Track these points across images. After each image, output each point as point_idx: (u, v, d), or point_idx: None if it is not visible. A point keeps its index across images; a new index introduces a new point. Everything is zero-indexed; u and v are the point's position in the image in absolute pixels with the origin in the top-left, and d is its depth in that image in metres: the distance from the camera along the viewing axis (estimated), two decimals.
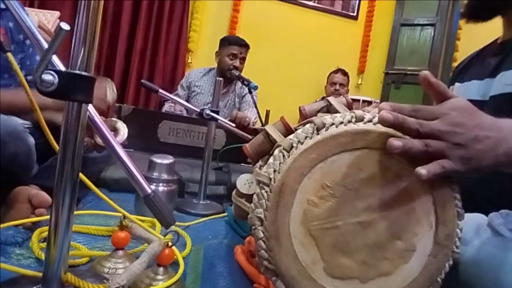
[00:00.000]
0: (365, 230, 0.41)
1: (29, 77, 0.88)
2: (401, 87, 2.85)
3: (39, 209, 0.66)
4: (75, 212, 0.41)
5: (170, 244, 0.54)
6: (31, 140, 0.72)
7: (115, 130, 0.89)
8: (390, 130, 0.43)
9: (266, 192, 0.42)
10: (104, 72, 2.40)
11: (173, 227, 0.53)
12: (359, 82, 2.99)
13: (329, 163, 0.41)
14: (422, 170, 0.38)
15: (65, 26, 0.35)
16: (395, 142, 0.38)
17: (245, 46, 2.02)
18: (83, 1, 0.37)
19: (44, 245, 0.56)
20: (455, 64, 2.75)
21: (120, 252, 0.55)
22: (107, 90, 0.91)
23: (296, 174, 0.41)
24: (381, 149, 0.42)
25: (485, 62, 0.72)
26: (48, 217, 0.61)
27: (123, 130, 0.86)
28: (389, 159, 0.42)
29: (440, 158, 0.39)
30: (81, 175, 0.43)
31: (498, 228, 0.45)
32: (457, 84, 0.79)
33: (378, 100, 2.71)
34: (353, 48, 2.97)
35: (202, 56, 2.66)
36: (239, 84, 1.99)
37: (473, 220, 0.48)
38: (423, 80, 0.43)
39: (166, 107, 1.92)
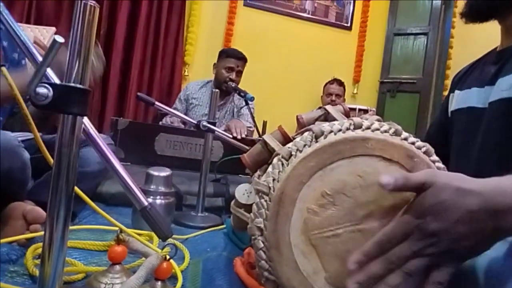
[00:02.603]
0: (367, 238, 0.41)
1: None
2: (396, 96, 2.88)
3: (34, 225, 0.65)
4: (71, 228, 0.41)
5: (168, 257, 0.53)
6: (26, 155, 0.71)
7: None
8: (389, 137, 0.43)
9: (266, 201, 0.41)
10: (102, 87, 2.40)
11: (171, 240, 0.52)
12: (355, 92, 3.02)
13: (329, 171, 0.41)
14: None
15: (60, 39, 0.35)
16: None
17: (242, 59, 2.04)
18: (78, 14, 0.37)
19: (38, 262, 0.55)
20: (448, 72, 2.79)
21: (117, 267, 0.53)
22: (93, 59, 0.89)
23: (295, 182, 0.41)
24: (380, 156, 0.42)
25: (484, 70, 0.73)
26: (43, 233, 0.60)
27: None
28: (388, 166, 0.42)
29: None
30: (77, 189, 0.42)
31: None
32: (457, 91, 0.80)
33: (374, 109, 2.72)
34: (348, 58, 3.00)
35: (198, 69, 2.68)
36: (237, 95, 2.00)
37: None
38: (386, 189, 0.37)
39: (164, 120, 1.91)
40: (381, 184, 0.37)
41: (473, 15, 0.70)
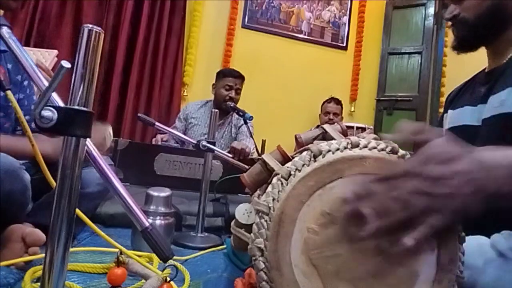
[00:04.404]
0: (367, 257, 0.41)
1: (27, 117, 0.89)
2: (393, 113, 2.91)
3: (33, 247, 0.64)
4: (70, 250, 0.40)
5: (168, 279, 0.52)
6: (27, 177, 0.71)
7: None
8: (386, 156, 0.44)
9: (266, 221, 0.41)
10: (100, 106, 2.42)
11: (171, 262, 0.52)
12: (352, 110, 3.05)
13: (328, 190, 0.42)
14: (408, 240, 0.35)
15: (66, 64, 0.36)
16: (366, 231, 0.37)
17: (239, 77, 2.07)
18: (83, 39, 0.39)
19: (37, 285, 0.54)
20: (443, 89, 2.83)
21: None
22: (106, 136, 0.93)
23: (295, 202, 0.41)
24: (378, 174, 0.42)
25: (475, 90, 0.76)
26: (42, 255, 0.59)
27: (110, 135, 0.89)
28: None
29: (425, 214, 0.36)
30: (77, 210, 0.42)
31: (502, 250, 0.44)
32: (450, 111, 0.83)
33: (371, 127, 2.75)
34: (344, 77, 3.06)
35: (197, 89, 2.71)
36: (235, 115, 2.02)
37: (475, 243, 0.48)
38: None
39: (157, 138, 1.91)
40: (399, 130, 0.42)
41: (464, 47, 0.75)
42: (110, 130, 0.95)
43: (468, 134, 0.71)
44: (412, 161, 0.40)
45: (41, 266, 0.39)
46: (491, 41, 0.73)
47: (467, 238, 0.43)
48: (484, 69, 0.79)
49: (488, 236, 0.49)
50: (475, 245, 0.47)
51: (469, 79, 0.85)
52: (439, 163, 0.37)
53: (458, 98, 0.83)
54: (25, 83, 0.99)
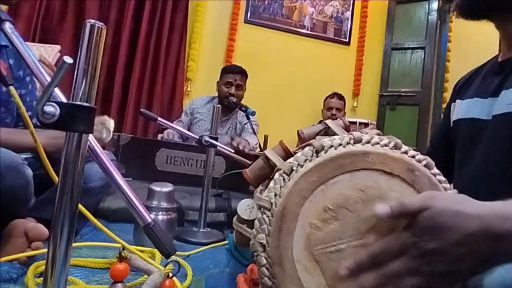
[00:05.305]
0: None
1: (29, 113, 0.89)
2: (396, 108, 2.90)
3: (36, 242, 0.64)
4: (73, 245, 0.41)
5: (170, 275, 0.52)
6: (29, 172, 0.71)
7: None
8: (389, 151, 0.43)
9: (268, 217, 0.41)
10: (102, 102, 2.42)
11: (173, 257, 0.52)
12: (355, 105, 3.04)
13: (330, 185, 0.41)
14: None
15: (68, 60, 0.36)
16: None
17: (239, 73, 2.06)
18: (85, 35, 0.38)
19: (39, 280, 0.55)
20: (447, 85, 2.81)
21: (119, 285, 0.53)
22: (104, 131, 0.93)
23: (297, 197, 0.41)
24: (381, 169, 0.42)
25: (486, 81, 0.72)
26: (44, 250, 0.60)
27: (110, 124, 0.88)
28: (389, 180, 0.42)
29: None
30: (79, 205, 0.42)
31: None
32: (458, 101, 0.78)
33: (374, 122, 2.74)
34: (347, 72, 3.04)
35: (200, 84, 2.71)
36: (240, 112, 2.02)
37: None
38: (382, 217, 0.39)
39: (166, 135, 1.92)
40: (377, 214, 0.38)
41: (471, 10, 0.68)
42: (111, 123, 0.94)
43: (476, 128, 0.69)
44: (405, 233, 0.37)
45: (44, 261, 0.39)
46: (505, 19, 0.66)
47: None
48: (496, 57, 0.74)
49: None
50: None
51: (480, 66, 0.79)
52: (434, 235, 0.35)
53: (466, 87, 0.78)
54: (27, 78, 0.99)
